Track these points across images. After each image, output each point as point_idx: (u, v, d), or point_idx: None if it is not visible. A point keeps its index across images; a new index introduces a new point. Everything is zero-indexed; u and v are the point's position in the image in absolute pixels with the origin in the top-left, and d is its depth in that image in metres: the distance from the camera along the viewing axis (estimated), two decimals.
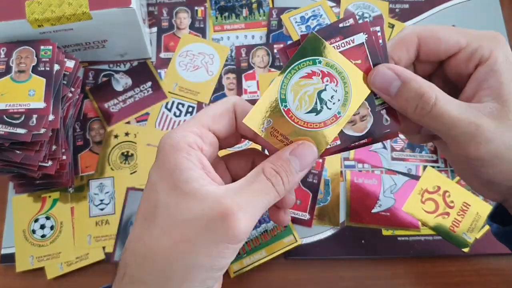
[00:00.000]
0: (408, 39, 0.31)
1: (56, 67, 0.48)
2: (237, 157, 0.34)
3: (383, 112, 0.31)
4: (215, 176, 0.28)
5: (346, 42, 0.29)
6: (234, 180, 0.30)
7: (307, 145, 0.29)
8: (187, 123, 0.29)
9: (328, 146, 0.31)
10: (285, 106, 0.29)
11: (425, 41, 0.30)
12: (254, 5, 0.61)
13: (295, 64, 0.29)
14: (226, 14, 0.60)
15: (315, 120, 0.30)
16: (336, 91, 0.29)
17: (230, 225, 0.25)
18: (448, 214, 0.50)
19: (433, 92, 0.28)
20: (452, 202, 0.51)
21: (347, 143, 0.31)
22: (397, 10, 0.61)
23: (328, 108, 0.29)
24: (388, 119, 0.31)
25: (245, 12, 0.60)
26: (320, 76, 0.29)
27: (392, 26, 0.60)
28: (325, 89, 0.29)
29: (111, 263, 0.48)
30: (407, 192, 0.51)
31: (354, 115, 0.30)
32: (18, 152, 0.45)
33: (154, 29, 0.59)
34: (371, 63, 0.30)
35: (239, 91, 0.56)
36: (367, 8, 0.60)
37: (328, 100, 0.29)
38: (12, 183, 0.51)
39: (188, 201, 0.26)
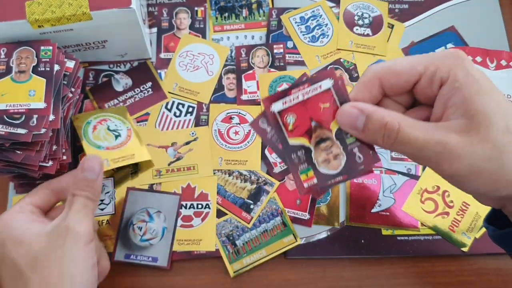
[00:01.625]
0: (368, 82, 0.32)
1: (56, 67, 0.48)
2: (42, 197, 0.44)
3: (355, 150, 0.32)
4: (43, 218, 0.42)
5: (314, 88, 0.32)
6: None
7: (89, 157, 0.40)
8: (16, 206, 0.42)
9: (307, 185, 0.33)
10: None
11: (385, 79, 0.32)
12: (254, 6, 0.61)
13: None
14: (226, 14, 0.60)
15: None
16: None
17: (75, 242, 0.38)
18: (447, 214, 0.50)
19: (396, 119, 0.29)
20: (451, 201, 0.51)
21: (324, 181, 0.33)
22: (396, 10, 0.61)
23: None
24: (361, 156, 0.32)
25: (245, 12, 0.61)
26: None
27: (391, 26, 0.60)
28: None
29: (112, 263, 0.48)
30: (406, 192, 0.51)
31: (327, 154, 0.33)
32: (18, 152, 0.45)
33: (154, 29, 0.59)
34: (338, 105, 0.32)
35: (239, 91, 0.56)
36: (366, 8, 0.60)
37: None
38: (12, 183, 0.51)
39: (32, 246, 0.37)
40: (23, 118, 0.45)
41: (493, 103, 0.28)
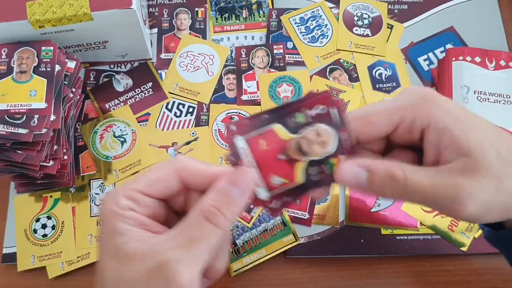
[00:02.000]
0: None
1: (57, 67, 0.48)
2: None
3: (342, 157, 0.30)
4: (158, 228, 0.28)
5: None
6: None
7: (242, 170, 0.29)
8: (120, 187, 0.29)
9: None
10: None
11: (361, 130, 0.30)
12: (254, 6, 0.61)
13: None
14: (226, 15, 0.61)
15: None
16: None
17: (171, 279, 0.25)
18: None
19: (400, 168, 0.28)
20: None
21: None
22: (396, 11, 0.61)
23: None
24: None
25: (245, 13, 0.61)
26: None
27: (391, 27, 0.60)
28: None
29: None
30: None
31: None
32: (19, 152, 0.45)
33: (155, 30, 0.59)
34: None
35: (239, 91, 0.56)
36: (366, 9, 0.61)
37: None
38: (13, 183, 0.52)
39: (130, 262, 0.26)
40: (24, 118, 0.45)
41: (479, 135, 0.28)
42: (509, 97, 0.53)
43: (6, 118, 0.45)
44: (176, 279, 0.25)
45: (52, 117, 0.46)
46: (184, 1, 0.61)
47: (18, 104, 0.46)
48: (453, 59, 0.55)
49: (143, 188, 0.29)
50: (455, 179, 0.28)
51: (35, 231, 0.49)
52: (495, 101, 0.53)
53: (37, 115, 0.46)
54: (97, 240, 0.29)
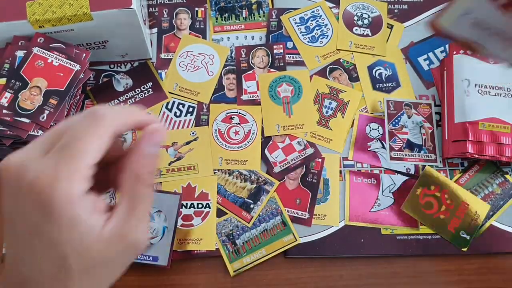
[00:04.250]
0: None
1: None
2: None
3: None
4: (103, 205, 0.29)
5: None
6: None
7: (157, 131, 0.30)
8: (64, 167, 0.27)
9: None
10: None
11: None
12: (254, 6, 0.61)
13: None
14: (226, 15, 0.61)
15: None
16: None
17: (138, 249, 0.29)
18: (447, 213, 0.51)
19: None
20: (450, 201, 0.51)
21: None
22: (396, 10, 0.61)
23: None
24: None
25: (245, 13, 0.61)
26: None
27: (391, 26, 0.60)
28: None
29: None
30: (406, 191, 0.52)
31: None
32: None
33: (155, 29, 0.59)
34: None
35: (239, 91, 0.56)
36: (366, 9, 0.61)
37: None
38: None
39: (91, 252, 0.28)
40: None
41: None
42: (510, 90, 0.53)
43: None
44: (141, 247, 0.29)
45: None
46: (184, 1, 0.61)
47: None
48: (454, 52, 0.55)
49: (91, 161, 0.27)
50: None
51: None
52: (496, 94, 0.52)
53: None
54: (42, 223, 0.28)
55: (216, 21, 0.60)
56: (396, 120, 0.55)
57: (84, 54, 0.50)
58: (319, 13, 0.60)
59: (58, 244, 0.27)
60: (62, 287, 0.28)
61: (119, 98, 0.56)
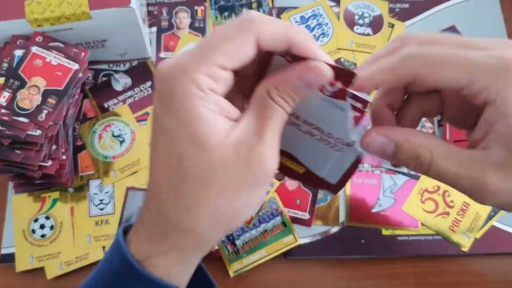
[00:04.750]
0: (400, 73, 0.27)
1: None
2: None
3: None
4: (233, 113, 0.26)
5: None
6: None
7: (319, 72, 0.26)
8: (196, 58, 0.25)
9: None
10: None
11: (421, 77, 0.27)
12: (254, 5, 0.61)
13: None
14: (226, 13, 0.60)
15: None
16: None
17: (264, 169, 0.26)
18: (447, 213, 0.50)
19: (428, 151, 0.27)
20: (451, 201, 0.51)
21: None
22: (397, 9, 0.61)
23: None
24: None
25: (245, 12, 0.60)
26: None
27: (392, 25, 0.60)
28: None
29: None
30: (407, 192, 0.51)
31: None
32: (18, 152, 0.45)
33: (154, 28, 0.59)
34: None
35: None
36: (367, 7, 0.60)
37: None
38: (12, 183, 0.51)
39: (217, 152, 0.25)
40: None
41: None
42: None
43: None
44: (267, 170, 0.26)
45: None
46: None
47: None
48: None
49: (224, 62, 0.25)
50: (484, 173, 0.26)
51: (33, 231, 0.49)
52: None
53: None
54: (162, 121, 0.25)
55: (216, 20, 0.60)
56: None
57: (83, 53, 0.50)
58: (319, 12, 0.60)
59: (174, 140, 0.25)
60: (175, 198, 0.26)
61: (118, 98, 0.55)
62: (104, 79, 0.56)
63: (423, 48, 0.27)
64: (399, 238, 0.50)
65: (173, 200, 0.26)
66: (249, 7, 0.60)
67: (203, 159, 0.25)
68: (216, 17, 0.60)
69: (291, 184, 0.51)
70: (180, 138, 0.25)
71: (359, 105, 0.27)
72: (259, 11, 0.60)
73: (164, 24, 0.59)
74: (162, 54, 0.58)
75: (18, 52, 0.48)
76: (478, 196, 0.27)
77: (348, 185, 0.52)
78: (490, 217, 0.50)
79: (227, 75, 0.26)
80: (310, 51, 0.26)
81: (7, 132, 0.44)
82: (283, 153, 0.31)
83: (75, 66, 0.49)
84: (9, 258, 0.49)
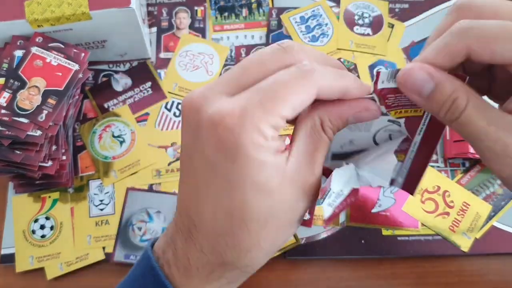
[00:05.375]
0: (454, 47, 0.26)
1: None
2: None
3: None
4: (283, 145, 0.27)
5: None
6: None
7: (373, 113, 0.28)
8: (260, 110, 0.25)
9: None
10: None
11: (475, 53, 0.25)
12: (254, 5, 0.61)
13: None
14: (226, 14, 0.60)
15: None
16: None
17: (313, 196, 0.28)
18: (448, 214, 0.50)
19: (466, 96, 0.25)
20: (452, 202, 0.51)
21: None
22: (397, 10, 0.61)
23: None
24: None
25: (244, 12, 0.60)
26: None
27: (392, 26, 0.60)
28: None
29: (111, 263, 0.48)
30: (407, 192, 0.51)
31: None
32: (18, 152, 0.45)
33: (154, 29, 0.59)
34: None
35: None
36: (366, 8, 0.60)
37: None
38: (12, 183, 0.51)
39: (277, 195, 0.26)
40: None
41: None
42: None
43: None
44: (316, 192, 0.28)
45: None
46: (184, 0, 0.61)
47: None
48: None
49: (289, 114, 0.25)
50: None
51: (33, 231, 0.49)
52: None
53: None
54: (228, 165, 0.25)
55: (216, 20, 0.60)
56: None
57: (83, 54, 0.50)
58: (319, 12, 0.60)
59: (238, 187, 0.26)
60: (235, 242, 0.27)
61: (118, 98, 0.55)
62: (104, 79, 0.56)
63: (479, 21, 0.25)
64: (399, 238, 0.50)
65: (233, 244, 0.27)
66: (249, 7, 0.60)
67: (265, 203, 0.26)
68: (216, 18, 0.60)
69: None
70: (245, 185, 0.25)
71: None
72: (259, 11, 0.60)
73: (164, 24, 0.59)
74: (162, 55, 0.58)
75: (18, 53, 0.48)
76: (496, 160, 0.25)
77: None
78: (490, 217, 0.50)
79: (285, 123, 0.26)
80: (354, 94, 0.28)
81: (7, 132, 0.44)
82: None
83: (75, 67, 0.49)
84: (9, 259, 0.49)
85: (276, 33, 0.59)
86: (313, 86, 0.25)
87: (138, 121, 0.54)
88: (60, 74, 0.48)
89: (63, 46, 0.49)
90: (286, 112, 0.25)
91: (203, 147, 0.26)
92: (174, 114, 0.55)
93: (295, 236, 0.49)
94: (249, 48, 0.58)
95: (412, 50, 0.59)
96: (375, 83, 0.27)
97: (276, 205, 0.26)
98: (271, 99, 0.25)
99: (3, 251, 0.49)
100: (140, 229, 0.49)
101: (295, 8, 0.60)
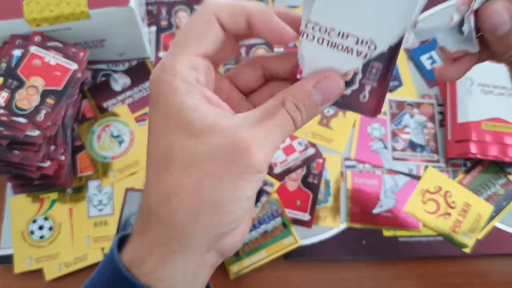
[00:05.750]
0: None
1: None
2: (242, 70, 0.32)
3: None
4: (222, 104, 0.27)
5: None
6: (244, 93, 0.31)
7: (333, 79, 0.28)
8: (174, 55, 0.26)
9: None
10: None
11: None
12: None
13: None
14: None
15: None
16: None
17: (249, 158, 0.25)
18: (449, 214, 0.50)
19: None
20: (453, 202, 0.50)
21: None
22: None
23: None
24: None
25: None
26: None
27: None
28: None
29: None
30: (408, 193, 0.51)
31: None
32: (16, 152, 0.45)
33: (153, 28, 0.59)
34: None
35: None
36: None
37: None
38: (10, 184, 0.51)
39: (203, 138, 0.25)
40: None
41: None
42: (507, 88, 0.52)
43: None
44: (253, 158, 0.25)
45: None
46: None
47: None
48: None
49: (198, 49, 0.26)
50: None
51: (32, 232, 0.49)
52: (499, 93, 0.52)
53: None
54: (152, 121, 0.27)
55: None
56: (398, 120, 0.54)
57: (82, 53, 0.49)
58: None
59: (163, 132, 0.26)
60: (157, 188, 0.26)
61: (117, 98, 0.55)
62: (103, 79, 0.56)
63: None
64: (400, 239, 0.49)
65: (156, 191, 0.26)
66: None
67: (189, 144, 0.25)
68: None
69: (292, 184, 0.51)
70: (168, 129, 0.26)
71: None
72: None
73: (164, 23, 0.59)
74: (161, 54, 0.57)
75: (17, 52, 0.48)
76: None
77: (349, 186, 0.51)
78: (491, 218, 0.50)
79: (206, 64, 0.27)
80: (272, 24, 0.27)
81: (5, 132, 0.44)
82: None
83: (74, 66, 0.48)
84: (8, 259, 0.48)
85: None
86: (209, 14, 0.26)
87: (137, 121, 0.54)
88: (59, 73, 0.48)
89: (61, 46, 0.49)
90: (194, 48, 0.26)
91: (150, 110, 0.27)
92: None
93: (295, 237, 0.49)
94: (249, 47, 0.58)
95: (413, 50, 0.58)
96: None
97: (198, 149, 0.25)
98: (178, 44, 0.26)
99: (1, 252, 0.49)
100: None
101: (295, 7, 0.60)
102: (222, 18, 0.26)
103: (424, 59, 0.58)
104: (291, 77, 0.29)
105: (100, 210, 0.50)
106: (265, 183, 0.51)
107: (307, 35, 0.27)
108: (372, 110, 0.29)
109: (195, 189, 0.25)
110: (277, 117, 0.26)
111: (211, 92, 0.27)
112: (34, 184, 0.49)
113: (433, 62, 0.57)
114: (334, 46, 0.27)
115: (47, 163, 0.47)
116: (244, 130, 0.25)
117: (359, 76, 0.28)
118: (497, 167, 0.53)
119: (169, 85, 0.25)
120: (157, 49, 0.58)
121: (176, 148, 0.25)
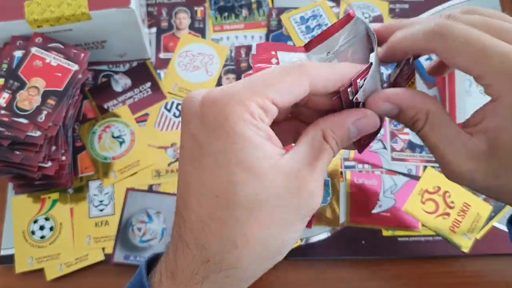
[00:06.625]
0: (422, 46, 0.29)
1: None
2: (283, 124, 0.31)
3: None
4: (278, 143, 0.26)
5: None
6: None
7: (373, 119, 0.28)
8: (247, 89, 0.25)
9: None
10: None
11: (439, 55, 0.29)
12: (254, 5, 0.61)
13: None
14: (226, 14, 0.60)
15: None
16: None
17: (313, 201, 0.26)
18: (448, 214, 0.50)
19: (424, 118, 0.28)
20: (452, 202, 0.51)
21: None
22: (397, 10, 0.61)
23: None
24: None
25: (244, 12, 0.60)
26: None
27: None
28: None
29: (111, 264, 0.48)
30: (407, 193, 0.51)
31: None
32: (17, 152, 0.45)
33: (154, 29, 0.59)
34: None
35: None
36: (367, 8, 0.60)
37: None
38: (11, 184, 0.51)
39: (268, 180, 0.24)
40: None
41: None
42: None
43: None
44: (315, 202, 0.26)
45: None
46: (183, 0, 0.61)
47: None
48: None
49: (276, 98, 0.25)
50: (457, 155, 0.28)
51: (33, 232, 0.49)
52: None
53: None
54: (207, 137, 0.25)
55: (216, 21, 0.60)
56: None
57: (83, 54, 0.50)
58: (319, 13, 0.60)
59: (224, 165, 0.24)
60: (220, 232, 0.25)
61: (118, 99, 0.55)
62: (103, 80, 0.56)
63: (448, 26, 0.28)
64: (399, 239, 0.49)
65: (218, 235, 0.25)
66: (249, 7, 0.60)
67: (254, 186, 0.24)
68: (216, 18, 0.60)
69: None
70: (231, 163, 0.24)
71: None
72: (258, 11, 0.60)
73: (164, 24, 0.59)
74: (161, 55, 0.58)
75: (18, 53, 0.48)
76: (443, 169, 0.29)
77: (348, 186, 0.51)
78: (490, 218, 0.50)
79: (275, 110, 0.26)
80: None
81: (6, 133, 0.44)
82: None
83: (75, 67, 0.49)
84: (9, 259, 0.48)
85: (276, 33, 0.59)
86: (304, 75, 0.26)
87: (137, 122, 0.54)
88: (60, 74, 0.48)
89: (62, 47, 0.49)
90: (273, 95, 0.25)
91: (190, 128, 0.25)
92: (174, 114, 0.55)
93: None
94: (249, 48, 0.58)
95: None
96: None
97: (265, 192, 0.24)
98: (258, 83, 0.25)
99: (3, 252, 0.49)
100: (140, 229, 0.49)
101: (295, 8, 0.60)
102: (315, 84, 0.26)
103: (423, 60, 0.58)
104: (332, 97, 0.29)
105: (101, 210, 0.50)
106: None
107: None
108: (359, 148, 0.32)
109: (263, 236, 0.25)
110: (325, 155, 0.26)
111: (272, 132, 0.26)
112: (35, 184, 0.50)
113: None
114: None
115: (48, 164, 0.47)
116: (307, 173, 0.25)
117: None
118: None
119: (237, 114, 0.24)
120: (158, 50, 0.58)
121: (242, 188, 0.24)
